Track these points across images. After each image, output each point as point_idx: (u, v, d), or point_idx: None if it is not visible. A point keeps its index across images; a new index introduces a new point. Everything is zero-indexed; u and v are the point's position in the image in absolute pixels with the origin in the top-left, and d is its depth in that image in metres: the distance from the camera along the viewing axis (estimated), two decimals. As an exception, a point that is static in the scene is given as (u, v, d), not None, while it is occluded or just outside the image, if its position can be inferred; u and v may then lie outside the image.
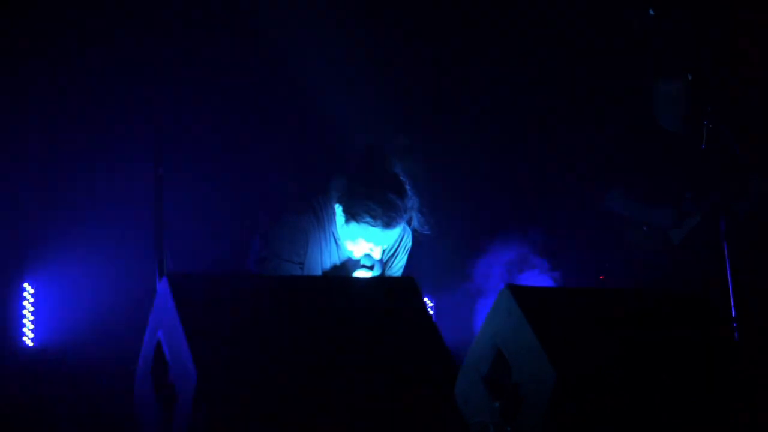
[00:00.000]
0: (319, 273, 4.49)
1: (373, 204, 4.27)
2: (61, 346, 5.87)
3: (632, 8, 6.08)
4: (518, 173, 7.07)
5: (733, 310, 5.61)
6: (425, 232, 4.51)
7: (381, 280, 3.95)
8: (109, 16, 5.69)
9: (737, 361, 3.97)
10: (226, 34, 5.96)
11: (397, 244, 4.60)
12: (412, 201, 4.38)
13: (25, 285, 5.90)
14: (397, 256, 4.62)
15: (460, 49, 6.73)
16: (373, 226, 4.29)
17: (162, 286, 3.62)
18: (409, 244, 4.65)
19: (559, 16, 6.83)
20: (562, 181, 6.87)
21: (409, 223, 4.47)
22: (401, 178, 4.39)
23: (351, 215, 4.30)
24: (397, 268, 4.65)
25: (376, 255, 4.38)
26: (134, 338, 3.87)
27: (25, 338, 5.90)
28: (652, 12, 5.72)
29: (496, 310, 3.85)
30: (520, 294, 3.87)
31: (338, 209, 4.35)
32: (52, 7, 5.72)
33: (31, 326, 5.90)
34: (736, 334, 5.27)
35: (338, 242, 4.46)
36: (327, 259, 4.49)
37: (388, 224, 4.28)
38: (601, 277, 6.44)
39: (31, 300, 5.91)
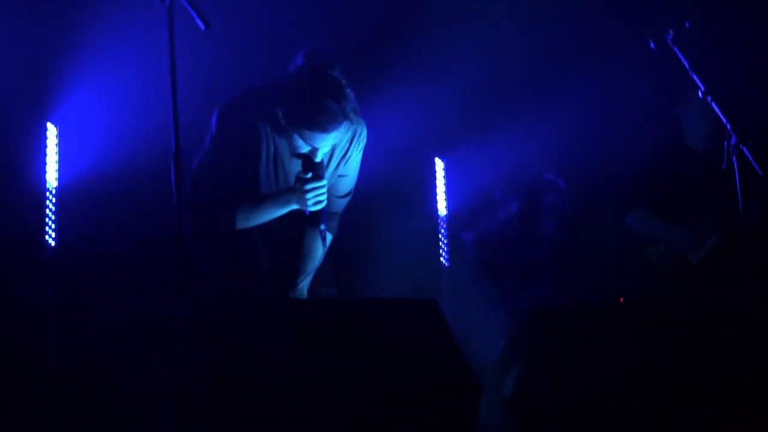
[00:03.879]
0: (263, 188, 4.50)
1: (308, 107, 4.27)
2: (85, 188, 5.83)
3: (660, 27, 6.07)
4: (535, 187, 7.06)
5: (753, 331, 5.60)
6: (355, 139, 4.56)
7: (404, 303, 3.94)
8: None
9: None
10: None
11: (347, 144, 4.57)
12: (352, 104, 4.37)
13: (48, 124, 5.88)
14: (350, 157, 4.60)
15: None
16: (310, 130, 4.30)
17: (187, 312, 3.62)
18: (363, 143, 4.63)
19: (586, 33, 6.84)
20: (583, 197, 6.87)
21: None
22: (342, 81, 4.36)
23: (288, 119, 4.32)
24: (352, 168, 4.64)
25: (318, 156, 4.39)
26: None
27: (48, 177, 5.86)
28: (671, 34, 5.71)
29: (518, 331, 3.87)
30: (541, 316, 3.88)
31: (278, 113, 4.36)
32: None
33: (56, 166, 5.88)
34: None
35: (282, 146, 4.48)
36: (269, 174, 4.51)
37: (324, 129, 4.28)
38: (621, 299, 6.43)
39: (55, 141, 5.89)
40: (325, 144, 4.37)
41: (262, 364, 3.48)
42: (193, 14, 3.98)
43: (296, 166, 4.49)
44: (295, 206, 4.44)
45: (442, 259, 6.90)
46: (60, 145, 5.89)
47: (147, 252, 5.73)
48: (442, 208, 6.99)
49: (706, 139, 6.19)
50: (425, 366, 3.65)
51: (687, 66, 5.69)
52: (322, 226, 4.46)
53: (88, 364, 5.55)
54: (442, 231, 6.95)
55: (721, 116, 5.84)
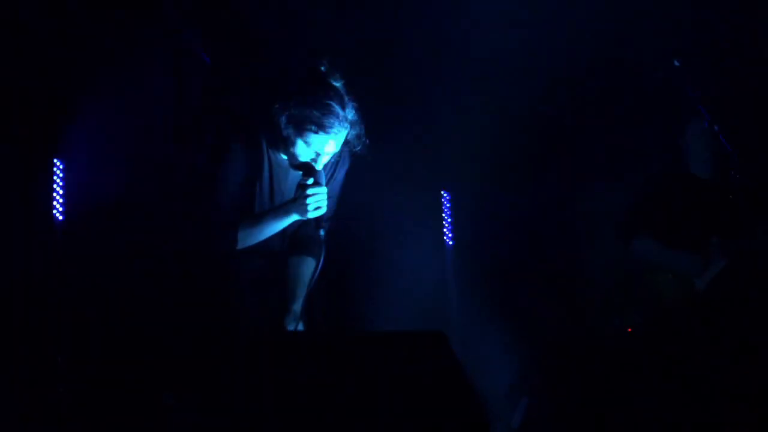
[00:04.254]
0: (257, 208, 4.52)
1: (314, 110, 4.33)
2: (90, 222, 5.84)
3: (657, 58, 6.10)
4: (542, 217, 7.08)
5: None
6: (357, 149, 4.55)
7: (412, 335, 3.94)
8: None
9: None
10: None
11: (334, 164, 4.61)
12: (353, 113, 4.44)
13: (55, 160, 5.92)
14: (335, 177, 4.65)
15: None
16: (315, 133, 4.34)
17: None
18: (347, 165, 4.67)
19: (587, 64, 6.86)
20: (587, 226, 6.87)
21: (347, 143, 4.51)
22: (341, 91, 4.44)
23: (293, 124, 4.35)
24: (334, 190, 4.66)
25: (320, 164, 4.43)
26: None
27: (55, 212, 5.89)
28: (677, 63, 5.73)
29: (528, 362, 3.85)
30: (550, 349, 3.86)
31: (282, 121, 4.39)
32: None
33: (60, 200, 5.91)
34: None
35: (278, 164, 4.53)
36: (263, 192, 4.54)
37: (328, 131, 4.34)
38: (629, 330, 6.40)
39: (61, 175, 5.92)
40: (327, 148, 4.41)
41: (269, 397, 3.48)
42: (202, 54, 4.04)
43: (292, 182, 4.54)
44: (295, 216, 4.45)
45: (449, 288, 6.91)
46: (65, 180, 5.93)
47: (151, 287, 5.74)
48: (449, 239, 7.01)
49: (711, 166, 6.20)
50: (433, 399, 3.64)
51: (691, 94, 5.71)
52: (321, 232, 4.47)
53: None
54: (450, 262, 6.97)
55: (725, 144, 5.87)
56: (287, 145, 4.44)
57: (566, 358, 3.94)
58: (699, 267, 6.07)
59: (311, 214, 4.41)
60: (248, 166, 4.50)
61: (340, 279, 6.08)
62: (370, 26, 6.60)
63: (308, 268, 4.62)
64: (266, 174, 4.53)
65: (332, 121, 4.34)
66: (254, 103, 4.56)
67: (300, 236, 4.71)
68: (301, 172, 4.48)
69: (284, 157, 4.53)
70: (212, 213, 4.45)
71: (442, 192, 7.05)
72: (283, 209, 4.48)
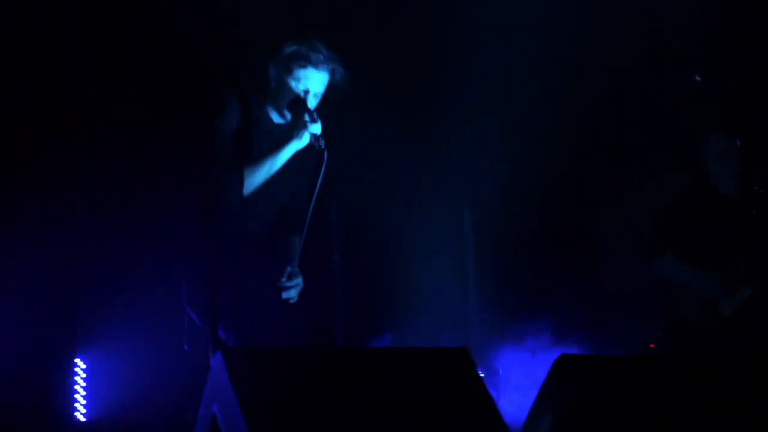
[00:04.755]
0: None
1: (300, 47, 4.62)
2: (114, 422, 5.88)
3: (679, 73, 6.11)
4: (567, 237, 7.07)
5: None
6: (344, 85, 4.74)
7: (434, 352, 3.94)
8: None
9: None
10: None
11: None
12: (336, 58, 4.68)
13: (77, 360, 5.93)
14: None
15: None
16: (303, 68, 4.58)
17: (216, 361, 3.63)
18: (323, 169, 4.72)
19: (609, 81, 6.87)
20: (611, 244, 6.86)
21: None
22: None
23: (282, 67, 4.61)
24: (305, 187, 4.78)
25: (310, 103, 4.60)
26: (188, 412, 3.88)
27: (77, 413, 5.92)
28: (698, 78, 5.73)
29: (551, 379, 3.83)
30: (573, 364, 3.85)
31: (270, 72, 4.63)
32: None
33: (83, 401, 5.92)
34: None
35: (267, 122, 4.67)
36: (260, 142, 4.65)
37: (315, 62, 4.60)
38: (651, 345, 6.38)
39: (83, 375, 5.94)
40: (314, 84, 4.61)
41: (290, 415, 3.47)
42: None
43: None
44: (295, 143, 4.57)
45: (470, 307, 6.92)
46: (88, 380, 6.00)
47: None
48: (470, 258, 7.02)
49: (734, 183, 6.16)
50: (456, 416, 3.63)
51: (713, 109, 5.69)
52: (322, 142, 4.58)
53: None
54: (471, 280, 6.98)
55: (746, 161, 5.83)
56: (277, 94, 4.63)
57: (588, 371, 3.94)
58: (723, 289, 6.02)
59: (312, 130, 4.54)
60: (241, 126, 4.64)
61: (367, 297, 6.11)
62: (393, 48, 6.65)
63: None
64: (256, 133, 4.67)
65: (318, 55, 4.60)
66: (241, 67, 4.72)
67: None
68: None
69: (274, 115, 4.68)
70: (214, 167, 4.57)
71: (465, 211, 7.07)
72: (282, 140, 4.60)
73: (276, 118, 4.72)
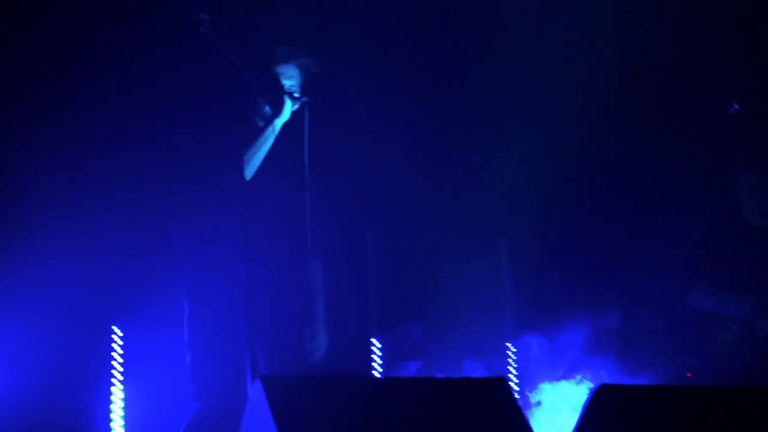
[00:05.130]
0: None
1: (276, 47, 5.00)
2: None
3: (717, 102, 6.09)
4: (598, 266, 7.05)
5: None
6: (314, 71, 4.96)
7: (473, 382, 3.94)
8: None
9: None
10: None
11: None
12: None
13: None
14: None
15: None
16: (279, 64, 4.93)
17: (255, 388, 3.64)
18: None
19: (645, 108, 6.87)
20: (646, 275, 6.84)
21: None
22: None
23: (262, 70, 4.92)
24: None
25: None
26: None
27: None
28: (735, 106, 5.72)
29: (591, 409, 3.82)
30: (614, 394, 3.83)
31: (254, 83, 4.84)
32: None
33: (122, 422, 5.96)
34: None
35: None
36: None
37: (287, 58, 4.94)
38: (688, 375, 6.36)
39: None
40: (291, 77, 4.91)
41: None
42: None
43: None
44: (280, 117, 4.85)
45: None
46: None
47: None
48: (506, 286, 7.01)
49: (764, 215, 6.15)
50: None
51: (747, 141, 5.68)
52: (305, 99, 4.86)
53: None
54: (508, 307, 6.97)
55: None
56: (261, 99, 4.90)
57: (627, 401, 3.93)
58: (758, 310, 6.01)
59: (295, 96, 4.81)
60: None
61: (401, 324, 6.12)
62: (434, 77, 6.69)
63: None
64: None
65: (294, 49, 4.95)
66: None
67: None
68: None
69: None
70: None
71: (501, 239, 7.06)
72: (267, 118, 4.89)
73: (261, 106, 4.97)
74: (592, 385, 6.65)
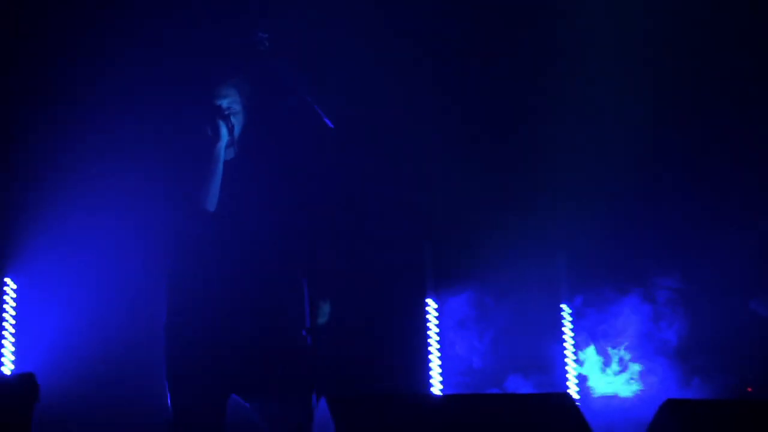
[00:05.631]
0: None
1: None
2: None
3: None
4: (659, 281, 7.02)
5: None
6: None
7: (538, 397, 3.95)
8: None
9: None
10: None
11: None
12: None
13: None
14: None
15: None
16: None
17: (321, 408, 3.67)
18: None
19: (709, 121, 6.86)
20: (709, 282, 6.81)
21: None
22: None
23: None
24: None
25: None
26: None
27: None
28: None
29: (656, 423, 3.82)
30: (679, 409, 3.82)
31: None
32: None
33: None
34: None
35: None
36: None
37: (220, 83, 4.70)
38: (749, 389, 6.31)
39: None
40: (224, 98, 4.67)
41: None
42: (321, 114, 4.15)
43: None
44: (219, 142, 4.62)
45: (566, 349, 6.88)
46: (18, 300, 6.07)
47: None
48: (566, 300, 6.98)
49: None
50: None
51: None
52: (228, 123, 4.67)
53: None
54: (567, 320, 6.95)
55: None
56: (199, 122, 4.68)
57: (692, 416, 3.92)
58: None
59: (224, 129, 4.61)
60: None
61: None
62: (493, 96, 6.74)
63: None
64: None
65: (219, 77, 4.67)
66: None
67: None
68: None
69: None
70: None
71: (558, 254, 7.05)
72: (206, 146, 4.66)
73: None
74: (641, 387, 6.65)
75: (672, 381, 6.69)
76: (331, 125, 4.29)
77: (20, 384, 4.73)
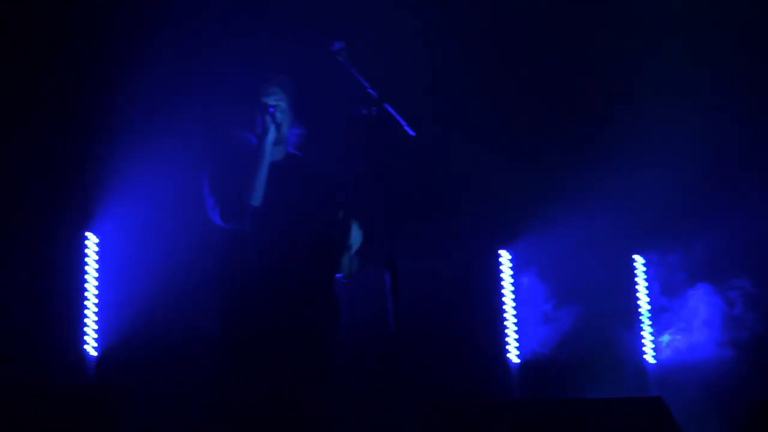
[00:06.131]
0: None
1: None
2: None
3: None
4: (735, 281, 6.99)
5: None
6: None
7: (629, 402, 3.93)
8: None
9: None
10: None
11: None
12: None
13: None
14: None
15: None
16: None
17: (412, 414, 3.69)
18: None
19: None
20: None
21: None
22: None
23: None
24: None
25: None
26: None
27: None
28: None
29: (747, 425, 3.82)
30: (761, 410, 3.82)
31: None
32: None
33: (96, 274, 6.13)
34: None
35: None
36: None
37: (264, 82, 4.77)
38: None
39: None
40: (270, 96, 4.74)
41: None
42: (402, 122, 4.17)
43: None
44: (266, 143, 4.64)
45: (648, 356, 6.84)
46: (100, 254, 6.15)
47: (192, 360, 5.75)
48: (644, 305, 6.93)
49: None
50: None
51: None
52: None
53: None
54: (646, 328, 6.91)
55: None
56: (246, 119, 4.74)
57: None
58: None
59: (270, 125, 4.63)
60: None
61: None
62: (569, 102, 6.76)
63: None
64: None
65: (267, 75, 4.77)
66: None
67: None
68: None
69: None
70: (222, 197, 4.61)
71: (634, 256, 7.02)
72: (255, 142, 4.70)
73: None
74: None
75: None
76: (412, 133, 4.29)
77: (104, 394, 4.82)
